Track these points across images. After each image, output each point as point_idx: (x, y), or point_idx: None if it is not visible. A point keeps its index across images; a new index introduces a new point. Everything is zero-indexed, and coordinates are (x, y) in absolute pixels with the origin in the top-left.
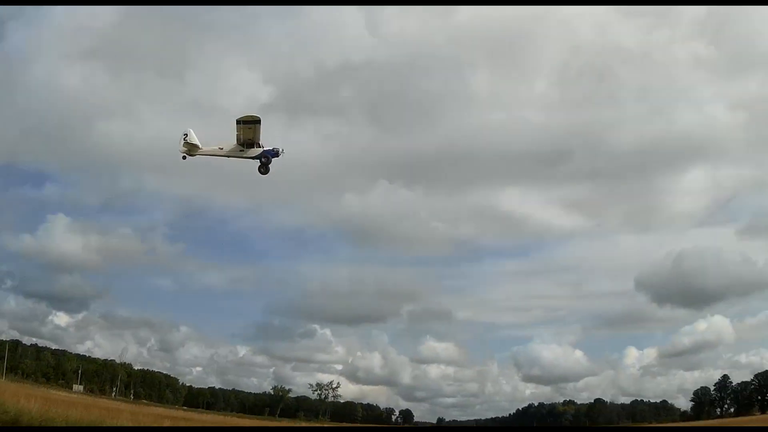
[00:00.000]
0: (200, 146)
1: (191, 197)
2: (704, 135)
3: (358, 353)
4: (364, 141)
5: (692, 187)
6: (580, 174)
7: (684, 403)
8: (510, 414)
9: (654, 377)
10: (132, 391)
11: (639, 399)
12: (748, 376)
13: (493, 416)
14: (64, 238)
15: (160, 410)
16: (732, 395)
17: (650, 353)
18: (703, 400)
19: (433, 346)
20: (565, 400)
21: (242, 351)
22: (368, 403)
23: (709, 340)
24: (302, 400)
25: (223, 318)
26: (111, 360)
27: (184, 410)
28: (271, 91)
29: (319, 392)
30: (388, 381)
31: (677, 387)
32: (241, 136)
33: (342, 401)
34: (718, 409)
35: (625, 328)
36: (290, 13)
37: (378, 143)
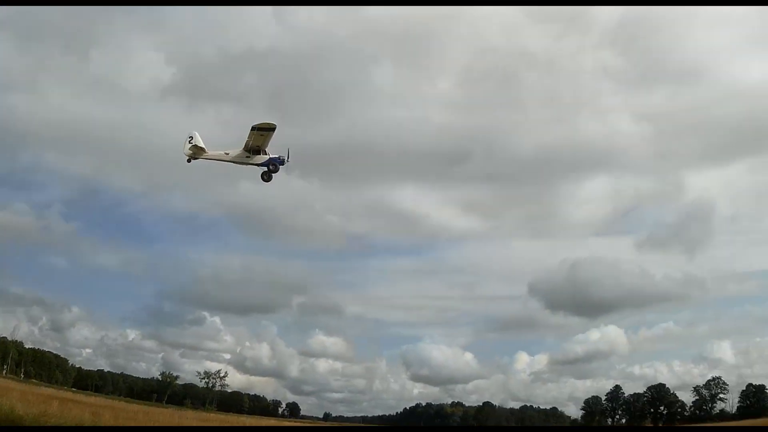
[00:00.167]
0: (206, 149)
1: (89, 176)
2: (607, 145)
3: (247, 343)
4: None
5: (592, 196)
6: (478, 176)
7: (574, 411)
8: (397, 413)
9: (544, 383)
10: (22, 370)
11: (529, 405)
12: (641, 388)
13: (381, 414)
14: None
15: (50, 391)
16: (624, 406)
17: (541, 359)
18: (594, 409)
19: (322, 340)
20: (453, 402)
21: (132, 335)
22: (255, 394)
23: (602, 350)
24: (189, 388)
25: (115, 300)
26: (2, 337)
27: (73, 392)
28: (174, 72)
29: (207, 381)
30: (276, 373)
31: (568, 395)
32: (251, 143)
33: (229, 391)
34: (609, 420)
35: (516, 333)
36: None
37: (277, 132)
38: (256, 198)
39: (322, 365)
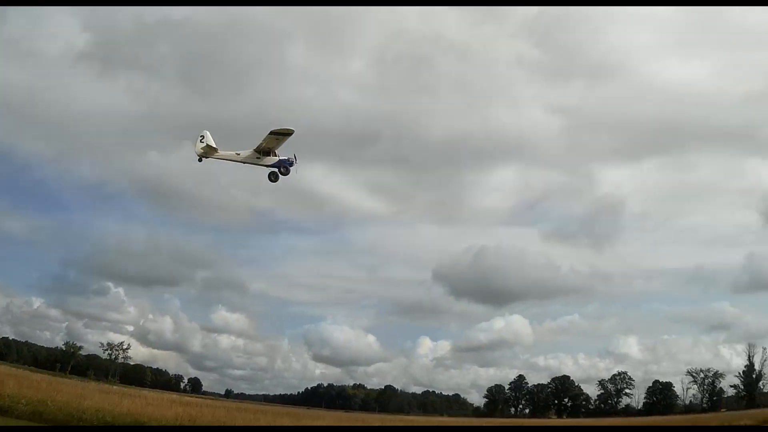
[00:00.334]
0: (217, 149)
1: None
2: (519, 135)
3: (150, 316)
4: (173, 100)
5: (501, 185)
6: (387, 159)
7: (477, 399)
8: (299, 392)
9: (447, 370)
10: None
11: (431, 390)
12: (545, 379)
13: (282, 393)
14: None
15: None
16: (527, 396)
17: (444, 345)
18: (497, 397)
19: (224, 315)
20: (355, 384)
21: (37, 303)
22: (158, 368)
23: (506, 339)
24: (93, 359)
25: (21, 267)
26: None
27: None
28: (88, 38)
29: (110, 352)
30: (178, 347)
31: (471, 382)
32: (264, 145)
33: (132, 363)
34: (513, 409)
35: (419, 318)
36: None
37: (187, 104)
38: (163, 169)
39: (225, 341)
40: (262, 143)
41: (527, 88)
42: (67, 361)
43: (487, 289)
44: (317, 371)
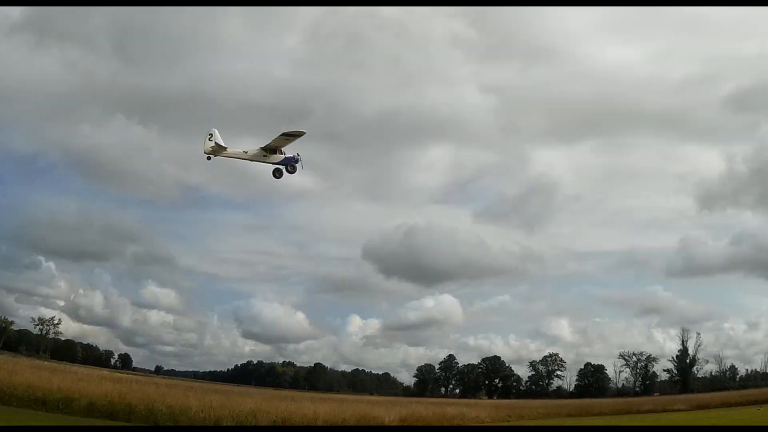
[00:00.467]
0: (226, 147)
1: None
2: (452, 114)
3: (81, 291)
4: (107, 72)
5: (432, 163)
6: (318, 135)
7: (407, 378)
8: (228, 369)
9: (377, 348)
10: None
11: (360, 368)
12: (475, 359)
13: (212, 370)
14: None
15: None
16: (458, 376)
17: (374, 324)
18: (427, 377)
19: (154, 291)
20: (284, 361)
21: None
22: (89, 344)
23: (436, 318)
24: (24, 334)
25: None
26: None
27: None
28: (23, 9)
29: (41, 327)
30: (109, 322)
31: (401, 361)
32: (273, 144)
33: (63, 339)
34: (443, 389)
35: (349, 296)
36: None
37: (120, 76)
38: (95, 142)
39: (154, 317)
40: (271, 143)
41: (462, 67)
42: None
43: (417, 267)
44: (247, 348)
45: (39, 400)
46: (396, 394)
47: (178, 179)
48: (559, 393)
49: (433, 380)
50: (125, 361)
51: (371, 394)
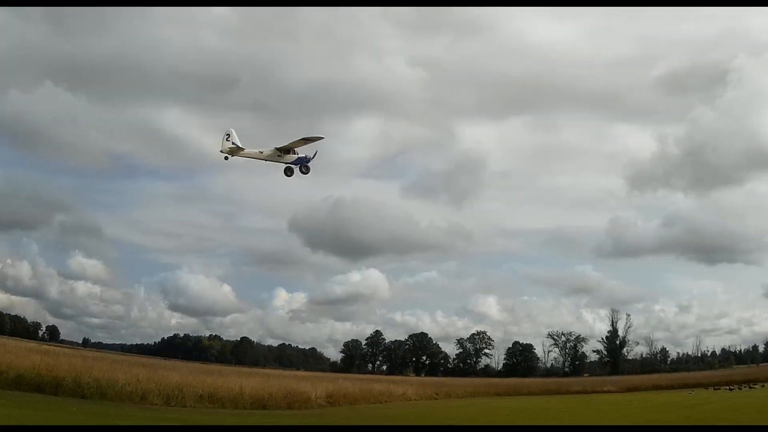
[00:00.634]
0: (243, 148)
1: None
2: (380, 87)
3: (8, 260)
4: (36, 38)
5: (360, 136)
6: (245, 105)
7: (334, 354)
8: (155, 342)
9: (303, 323)
10: None
11: (287, 343)
12: (402, 336)
13: (139, 342)
14: None
15: None
16: (385, 352)
17: (300, 298)
18: (353, 353)
19: (81, 261)
20: (211, 335)
21: None
22: (16, 315)
23: (363, 293)
24: None
25: None
26: None
27: None
28: None
29: None
30: (37, 294)
31: (327, 336)
32: (289, 146)
33: None
34: (370, 365)
35: (275, 269)
36: None
37: (49, 42)
38: (22, 108)
39: (81, 288)
40: (287, 144)
41: (391, 39)
42: None
43: (343, 241)
44: (173, 321)
45: None
46: (323, 370)
47: (106, 148)
48: (487, 372)
49: (360, 356)
50: (53, 333)
51: (298, 369)
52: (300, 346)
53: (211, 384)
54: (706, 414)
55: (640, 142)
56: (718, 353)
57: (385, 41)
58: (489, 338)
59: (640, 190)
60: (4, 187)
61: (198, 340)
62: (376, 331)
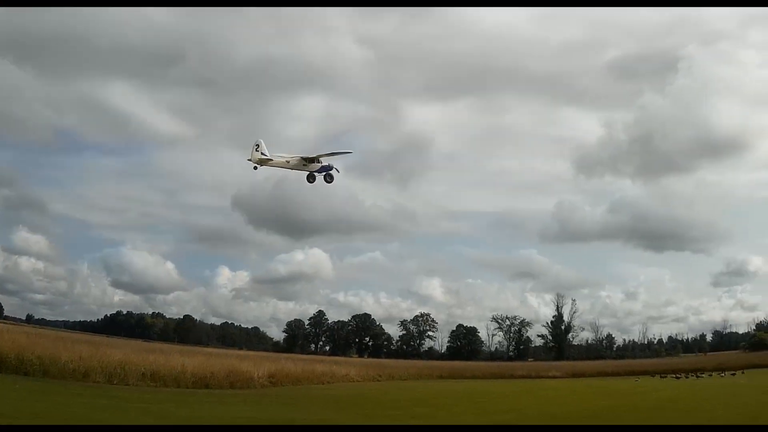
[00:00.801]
0: (272, 158)
1: None
2: (327, 65)
3: None
4: None
5: (305, 114)
6: (191, 81)
7: (277, 333)
8: (99, 319)
9: (246, 302)
10: None
11: (230, 322)
12: (345, 316)
13: (82, 319)
14: None
15: None
16: (328, 333)
17: (243, 276)
18: (296, 333)
19: (25, 237)
20: (154, 312)
21: None
22: None
23: (306, 273)
24: None
25: None
26: None
27: None
28: None
29: None
30: None
31: (270, 315)
32: (316, 156)
33: None
34: (313, 345)
35: (219, 246)
36: None
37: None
38: None
39: (25, 264)
40: (314, 155)
41: (339, 17)
42: None
43: (287, 220)
44: (116, 298)
45: None
46: (266, 350)
47: (51, 122)
48: (431, 354)
49: (303, 336)
50: None
51: (241, 348)
52: (243, 325)
53: (153, 362)
54: (653, 402)
55: (587, 127)
56: (664, 341)
57: (332, 19)
58: (433, 320)
59: (587, 175)
60: None
61: (141, 317)
62: (320, 311)
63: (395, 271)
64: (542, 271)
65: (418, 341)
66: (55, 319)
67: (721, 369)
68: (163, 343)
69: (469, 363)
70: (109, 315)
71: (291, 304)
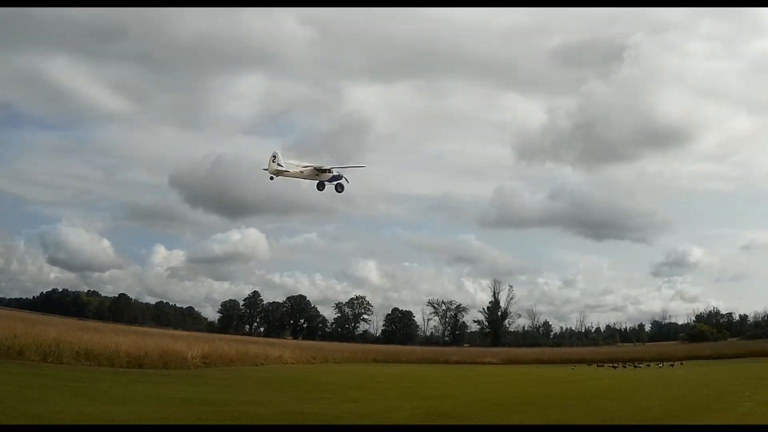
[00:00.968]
0: (288, 170)
1: None
2: (268, 44)
3: None
4: None
5: (245, 93)
6: (131, 56)
7: (211, 314)
8: (34, 296)
9: (181, 281)
10: None
11: (165, 301)
12: (280, 297)
13: (18, 297)
14: None
15: None
16: (262, 314)
17: (178, 255)
18: (231, 313)
19: None
20: (89, 290)
21: None
22: None
23: (242, 253)
24: None
25: None
26: None
27: None
28: None
29: None
30: None
31: (205, 295)
32: (329, 167)
33: None
34: (247, 326)
35: (154, 225)
36: None
37: None
38: None
39: None
40: (327, 167)
41: None
42: None
43: (223, 199)
44: (52, 275)
45: None
46: (200, 330)
47: None
48: (366, 337)
49: (238, 317)
50: None
51: (175, 328)
52: (178, 305)
53: (88, 341)
54: (588, 390)
55: (530, 112)
56: (602, 330)
57: None
58: (368, 303)
59: (528, 161)
60: None
61: (77, 295)
62: (254, 291)
63: (331, 252)
64: (480, 257)
65: (353, 324)
66: None
67: (660, 359)
68: (98, 322)
69: (404, 347)
70: (45, 292)
71: (226, 285)
